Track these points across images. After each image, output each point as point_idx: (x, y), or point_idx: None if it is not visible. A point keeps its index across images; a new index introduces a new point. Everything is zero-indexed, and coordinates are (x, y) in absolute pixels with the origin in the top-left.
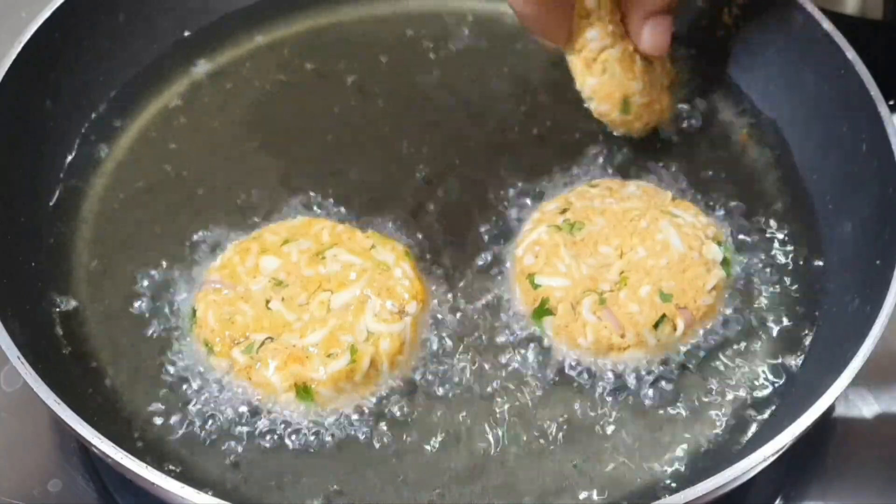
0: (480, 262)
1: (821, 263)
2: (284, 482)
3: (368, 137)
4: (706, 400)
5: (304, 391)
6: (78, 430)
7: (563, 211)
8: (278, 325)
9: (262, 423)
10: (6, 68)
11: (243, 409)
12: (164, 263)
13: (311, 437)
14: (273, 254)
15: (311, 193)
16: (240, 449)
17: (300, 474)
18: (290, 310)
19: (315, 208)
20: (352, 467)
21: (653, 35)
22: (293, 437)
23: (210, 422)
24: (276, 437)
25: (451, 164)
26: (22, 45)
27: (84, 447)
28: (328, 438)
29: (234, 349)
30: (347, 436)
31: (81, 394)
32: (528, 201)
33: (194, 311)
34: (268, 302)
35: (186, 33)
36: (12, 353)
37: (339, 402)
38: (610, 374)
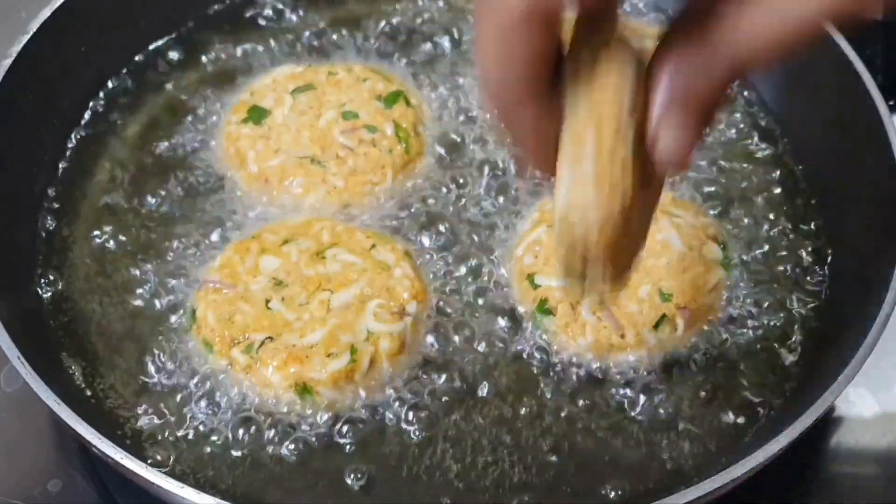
0: (480, 263)
1: (821, 263)
2: (285, 481)
3: None
4: (705, 400)
5: (304, 391)
6: (78, 430)
7: None
8: (278, 324)
9: (263, 423)
10: (6, 68)
11: (243, 408)
12: (165, 263)
13: (312, 437)
14: (273, 253)
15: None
16: (240, 448)
17: (301, 473)
18: (290, 309)
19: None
20: (352, 467)
21: (674, 136)
22: (293, 436)
23: (210, 422)
24: (276, 436)
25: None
26: (22, 44)
27: (84, 447)
28: (328, 438)
29: (234, 349)
30: (348, 435)
31: (81, 394)
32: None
33: (194, 311)
34: (268, 301)
35: (192, 25)
36: (12, 353)
37: (339, 401)
38: (610, 375)
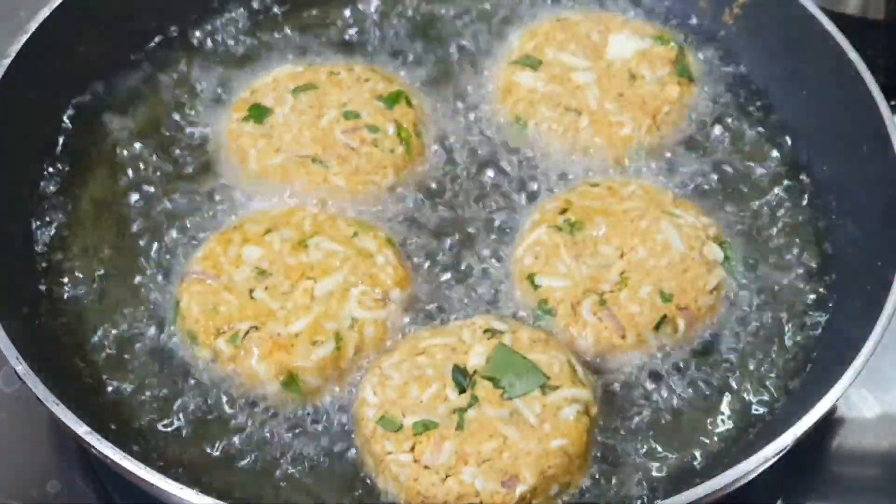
0: (480, 263)
1: (822, 264)
2: (282, 475)
3: None
4: (707, 401)
5: (289, 379)
6: (76, 431)
7: (563, 211)
8: (262, 313)
9: (254, 414)
10: (5, 68)
11: (234, 400)
12: (165, 263)
13: (304, 428)
14: (255, 243)
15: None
16: (235, 441)
17: (296, 466)
18: (274, 298)
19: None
20: (348, 458)
21: None
22: (287, 427)
23: (204, 416)
24: (266, 427)
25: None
26: (21, 43)
27: (83, 448)
28: (320, 428)
29: (219, 339)
30: (337, 423)
31: (80, 394)
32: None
33: (178, 303)
34: (251, 291)
35: (190, 24)
36: (11, 353)
37: (326, 389)
38: (610, 376)
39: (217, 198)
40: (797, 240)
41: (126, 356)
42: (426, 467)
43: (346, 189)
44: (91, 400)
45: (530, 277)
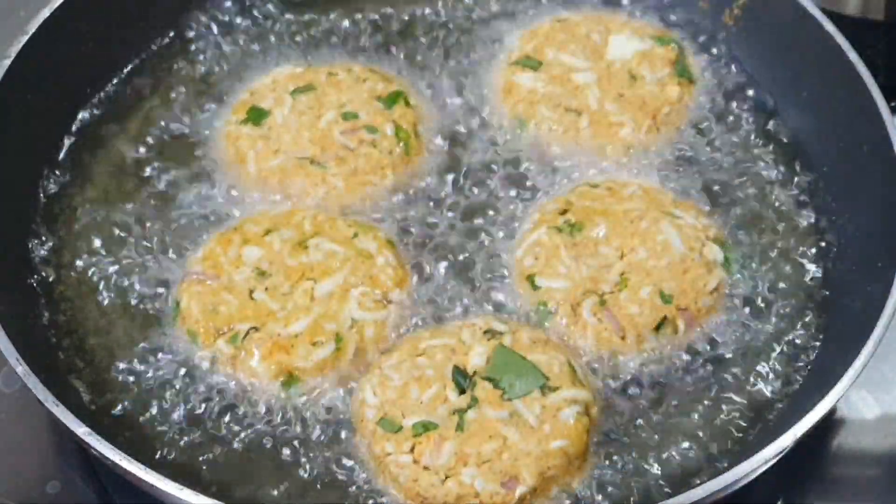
0: (480, 264)
1: (822, 265)
2: (281, 475)
3: None
4: (706, 402)
5: (289, 379)
6: (76, 432)
7: (563, 212)
8: (262, 314)
9: (253, 415)
10: (5, 68)
11: (233, 399)
12: (165, 264)
13: (304, 429)
14: (255, 244)
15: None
16: (235, 442)
17: (295, 466)
18: (274, 299)
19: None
20: (348, 458)
21: None
22: (286, 428)
23: (204, 415)
24: (268, 428)
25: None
26: (21, 44)
27: (83, 448)
28: (320, 428)
29: (219, 339)
30: (337, 424)
31: (80, 395)
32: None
33: (177, 303)
34: (251, 291)
35: (191, 24)
36: (11, 354)
37: (326, 390)
38: (610, 376)
39: (216, 199)
40: (797, 240)
41: (126, 357)
42: (426, 468)
43: (344, 190)
44: (91, 400)
45: (530, 278)
